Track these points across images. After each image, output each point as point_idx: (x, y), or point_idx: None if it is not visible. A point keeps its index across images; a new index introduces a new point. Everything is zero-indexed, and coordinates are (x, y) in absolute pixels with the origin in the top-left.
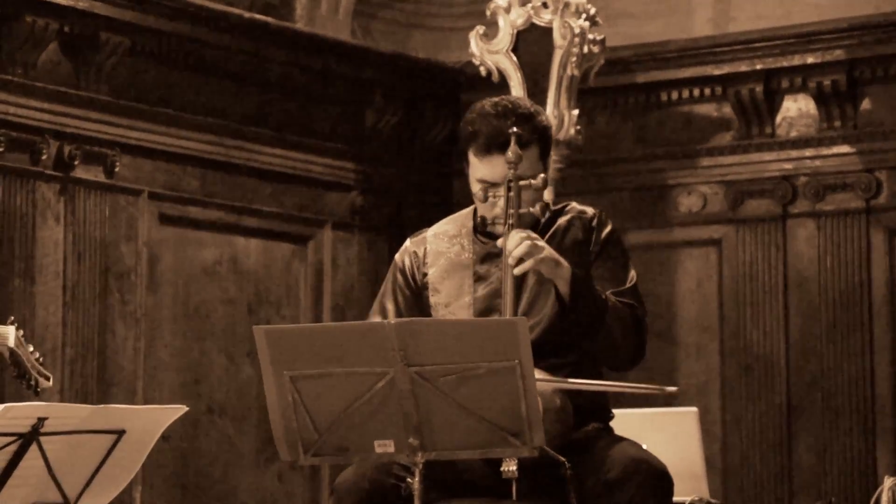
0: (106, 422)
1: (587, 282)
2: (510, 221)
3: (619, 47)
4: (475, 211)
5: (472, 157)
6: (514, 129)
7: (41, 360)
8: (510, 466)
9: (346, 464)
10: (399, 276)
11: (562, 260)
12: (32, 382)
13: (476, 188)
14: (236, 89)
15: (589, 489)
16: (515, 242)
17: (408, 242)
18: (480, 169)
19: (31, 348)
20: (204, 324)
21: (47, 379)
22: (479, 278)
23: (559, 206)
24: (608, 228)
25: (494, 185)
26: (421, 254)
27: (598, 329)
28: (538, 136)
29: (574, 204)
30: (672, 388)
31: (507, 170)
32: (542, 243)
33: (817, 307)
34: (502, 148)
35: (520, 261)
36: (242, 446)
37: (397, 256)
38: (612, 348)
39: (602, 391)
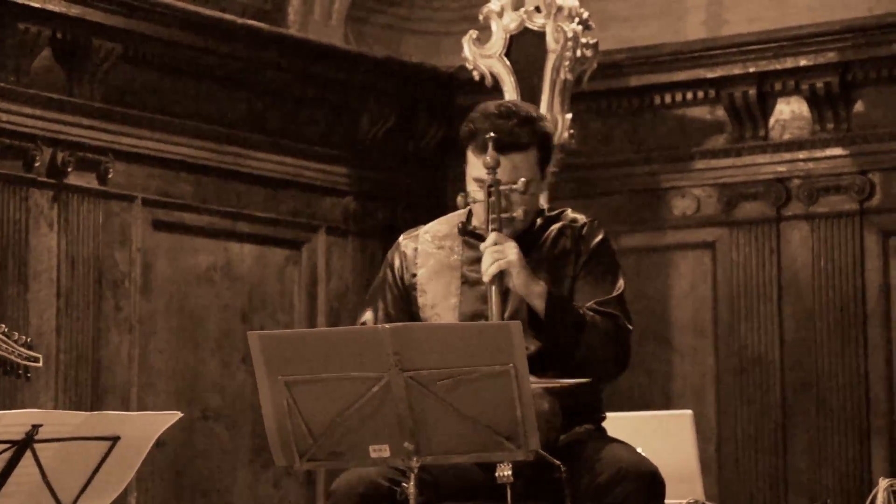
0: (100, 428)
1: (563, 300)
2: (492, 227)
3: (612, 51)
4: (469, 213)
5: (469, 156)
6: (492, 133)
7: (29, 341)
8: (505, 471)
9: (342, 469)
10: (389, 273)
11: (534, 277)
12: (21, 371)
13: (472, 188)
14: (230, 95)
15: (581, 492)
16: (487, 244)
17: (401, 239)
18: (477, 167)
19: (16, 335)
20: (198, 330)
21: (36, 361)
22: (466, 281)
23: (554, 212)
24: (598, 238)
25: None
26: (411, 254)
27: (575, 346)
28: (538, 140)
29: (569, 211)
30: (584, 380)
31: (486, 174)
32: (511, 248)
33: (811, 309)
34: (502, 148)
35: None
36: (237, 452)
37: (389, 253)
38: (591, 362)
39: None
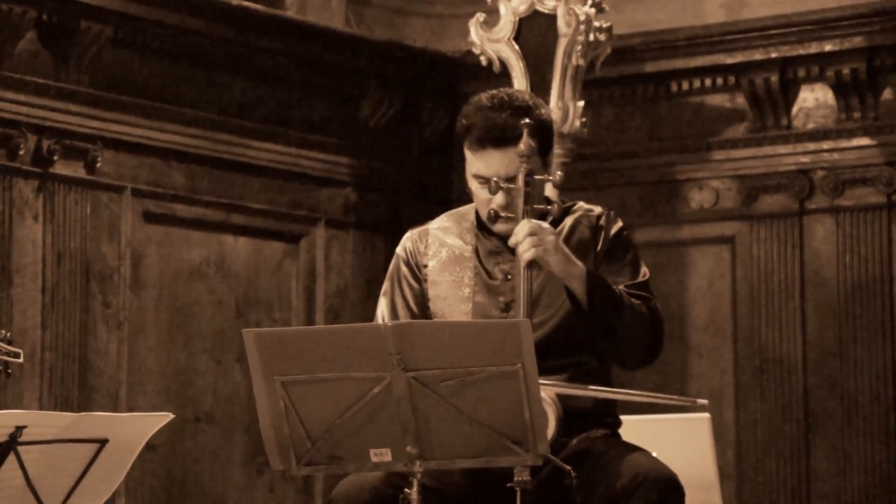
0: (87, 430)
1: (603, 281)
2: (526, 217)
3: (626, 35)
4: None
5: (466, 152)
6: (527, 119)
7: (9, 335)
8: (524, 476)
9: (341, 473)
10: (404, 268)
11: (574, 258)
12: (1, 367)
13: (473, 185)
14: (224, 80)
15: (596, 499)
16: (522, 228)
17: (409, 233)
18: (475, 164)
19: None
20: (190, 327)
21: (17, 356)
22: (478, 273)
23: (566, 204)
24: (617, 226)
25: (488, 181)
26: (422, 246)
27: (616, 328)
28: (536, 129)
29: (581, 203)
30: (703, 401)
31: (520, 164)
32: (549, 231)
33: (836, 307)
34: (497, 142)
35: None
36: (231, 455)
37: (399, 248)
38: (629, 347)
39: (628, 400)
